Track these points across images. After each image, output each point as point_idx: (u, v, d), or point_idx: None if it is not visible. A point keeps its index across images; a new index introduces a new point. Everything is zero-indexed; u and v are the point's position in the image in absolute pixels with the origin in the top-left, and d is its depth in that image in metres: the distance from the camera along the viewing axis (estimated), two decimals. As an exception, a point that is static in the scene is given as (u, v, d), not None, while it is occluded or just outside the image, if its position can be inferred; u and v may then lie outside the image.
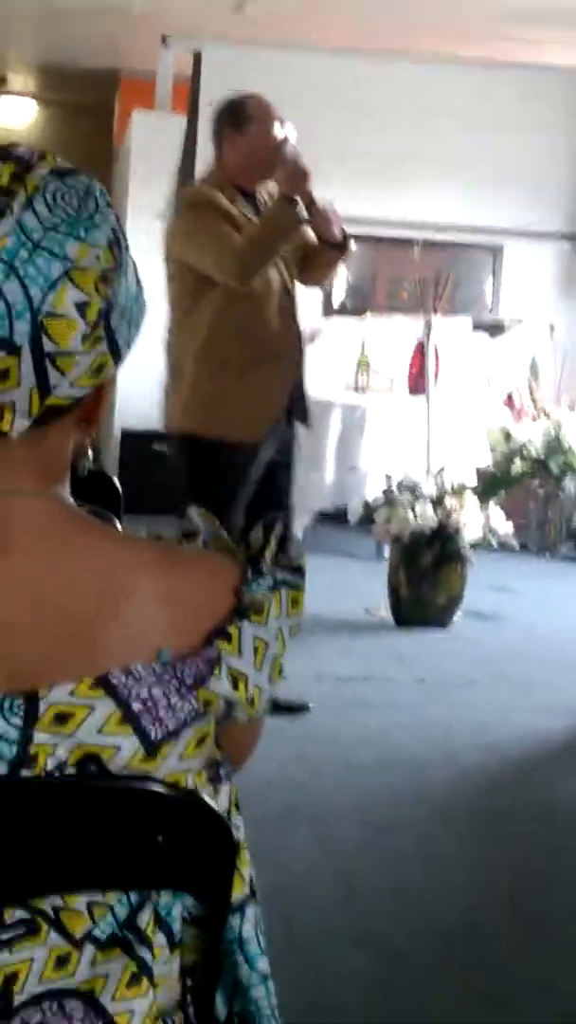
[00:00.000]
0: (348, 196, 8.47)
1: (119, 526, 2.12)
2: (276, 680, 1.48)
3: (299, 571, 1.53)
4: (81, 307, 1.35)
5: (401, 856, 4.11)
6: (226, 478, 4.77)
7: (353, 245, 4.94)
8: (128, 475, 8.48)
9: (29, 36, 10.55)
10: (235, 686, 1.43)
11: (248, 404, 4.76)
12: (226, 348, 4.77)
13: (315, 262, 4.93)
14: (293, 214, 4.63)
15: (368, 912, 3.72)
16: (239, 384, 4.75)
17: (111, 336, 1.39)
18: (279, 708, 5.10)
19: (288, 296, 4.83)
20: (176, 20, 9.07)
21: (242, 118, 4.78)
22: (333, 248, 4.87)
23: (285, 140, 4.77)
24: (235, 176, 4.80)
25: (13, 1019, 1.37)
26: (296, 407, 4.95)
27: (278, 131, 4.78)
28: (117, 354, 1.42)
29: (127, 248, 1.43)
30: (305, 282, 5.02)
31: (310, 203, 4.73)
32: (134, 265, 1.45)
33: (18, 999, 1.37)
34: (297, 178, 4.68)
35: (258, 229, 4.66)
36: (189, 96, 9.18)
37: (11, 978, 1.37)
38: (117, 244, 1.40)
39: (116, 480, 3.07)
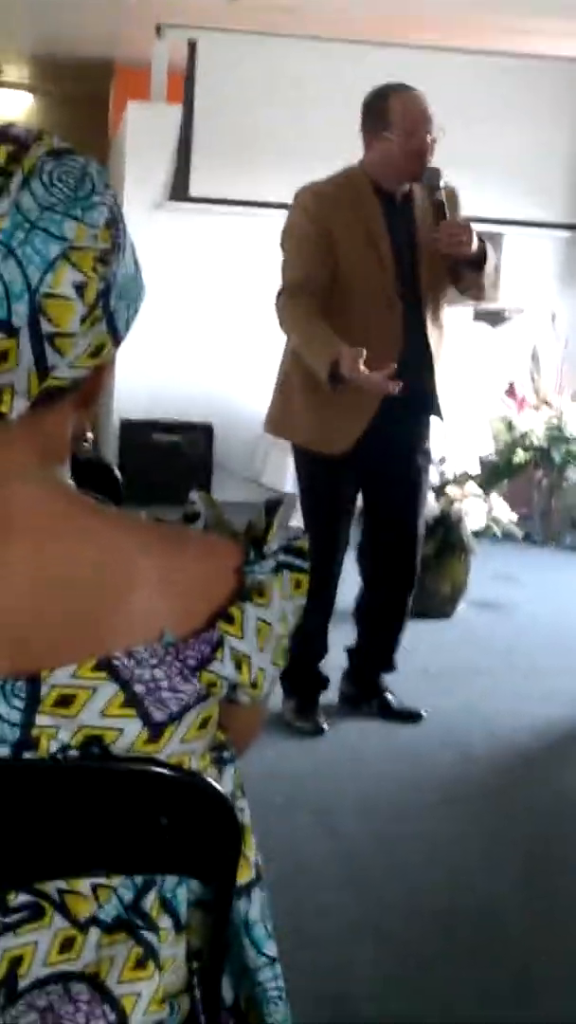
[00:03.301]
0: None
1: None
2: (279, 662, 1.48)
3: (302, 553, 1.51)
4: (79, 287, 1.34)
5: (407, 844, 4.10)
6: (314, 486, 4.82)
7: (508, 315, 4.83)
8: (128, 466, 8.48)
9: (24, 27, 10.51)
10: (238, 668, 1.42)
11: (332, 420, 4.63)
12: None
13: (462, 277, 4.73)
14: (324, 382, 4.35)
15: (375, 900, 3.72)
16: (324, 400, 4.53)
17: (110, 317, 1.38)
18: (393, 715, 5.14)
19: (391, 311, 4.60)
20: (170, 9, 9.03)
21: (385, 121, 4.60)
22: (469, 264, 4.64)
23: (431, 147, 4.58)
24: (375, 176, 4.67)
25: (18, 1003, 1.37)
26: (419, 403, 4.74)
27: (421, 139, 4.58)
28: (116, 335, 1.41)
29: (125, 229, 1.42)
30: (464, 294, 4.85)
31: (440, 216, 4.58)
32: (132, 246, 1.44)
33: (23, 983, 1.37)
34: (455, 243, 4.55)
35: (308, 344, 4.45)
36: (185, 86, 9.17)
37: (16, 962, 1.37)
38: (115, 224, 1.39)
39: (116, 469, 3.06)
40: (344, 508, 4.84)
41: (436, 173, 4.63)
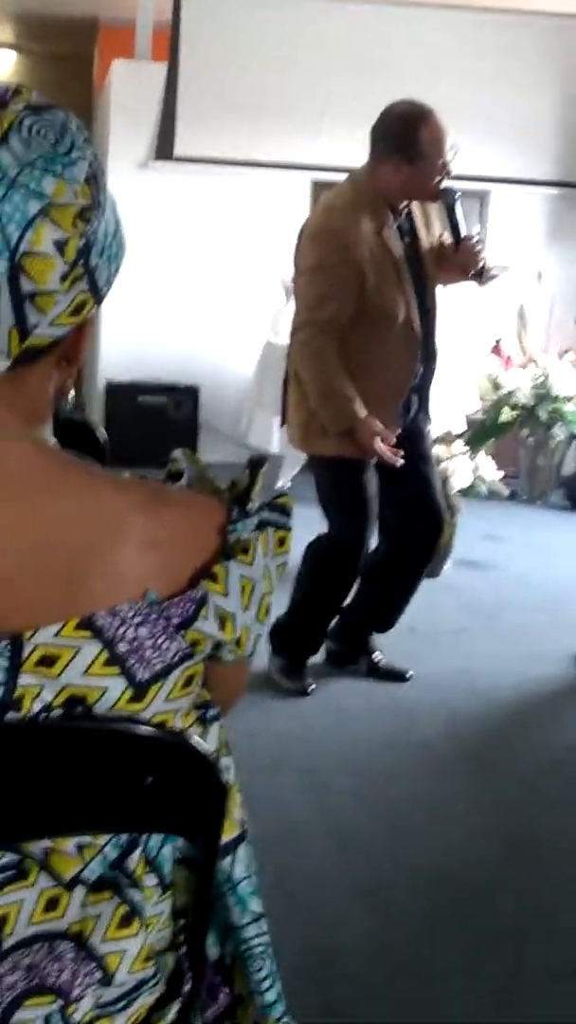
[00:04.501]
0: (332, 141, 8.46)
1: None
2: (263, 620, 1.47)
3: (285, 511, 1.51)
4: (59, 245, 1.33)
5: (394, 804, 4.12)
6: (350, 485, 4.85)
7: (495, 272, 4.95)
8: (114, 428, 8.46)
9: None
10: (222, 626, 1.42)
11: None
12: None
13: (445, 274, 4.95)
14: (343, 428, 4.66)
15: (362, 860, 3.73)
16: None
17: (91, 274, 1.37)
18: (381, 674, 5.18)
19: (413, 331, 4.71)
20: (155, -34, 8.97)
21: (414, 152, 4.58)
22: (473, 277, 4.92)
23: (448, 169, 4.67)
24: (387, 195, 4.67)
25: (4, 962, 1.37)
26: (420, 409, 4.97)
27: (444, 164, 4.65)
28: (97, 293, 1.40)
29: (105, 185, 1.41)
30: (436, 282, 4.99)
31: (460, 238, 4.81)
32: (113, 202, 1.43)
33: (8, 942, 1.37)
34: (474, 259, 4.84)
35: (330, 397, 4.64)
36: (170, 44, 9.09)
37: (1, 921, 1.37)
38: (95, 180, 1.38)
39: (101, 430, 3.04)
40: (373, 493, 4.87)
41: (452, 193, 4.75)
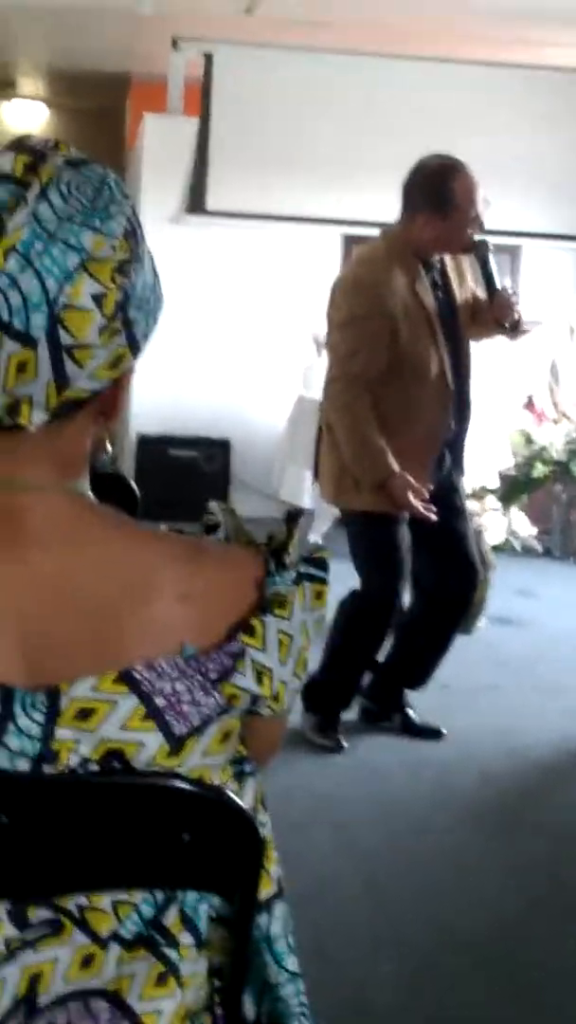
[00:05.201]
0: (362, 195, 8.49)
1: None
2: (300, 674, 1.47)
3: (322, 565, 1.50)
4: (98, 299, 1.33)
5: (427, 861, 4.08)
6: (382, 541, 4.82)
7: (527, 327, 4.94)
8: (145, 481, 8.46)
9: (39, 40, 10.52)
10: (259, 681, 1.41)
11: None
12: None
13: (479, 329, 4.94)
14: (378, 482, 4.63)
15: (395, 917, 3.70)
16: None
17: (129, 328, 1.37)
18: (414, 731, 5.13)
19: (446, 385, 4.70)
20: (186, 22, 9.03)
21: (446, 203, 4.58)
22: (508, 330, 4.90)
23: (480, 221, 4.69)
24: (421, 248, 4.67)
25: (38, 1019, 1.35)
26: (453, 463, 4.95)
27: (477, 216, 4.66)
28: (135, 346, 1.40)
29: (143, 239, 1.41)
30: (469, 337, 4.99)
31: (494, 290, 4.79)
32: (151, 256, 1.43)
33: (43, 999, 1.36)
34: (509, 311, 4.81)
35: (363, 451, 4.62)
36: (201, 98, 9.15)
37: (36, 978, 1.36)
38: (133, 234, 1.38)
39: (133, 483, 3.04)
40: (405, 549, 4.85)
41: (485, 245, 4.75)
